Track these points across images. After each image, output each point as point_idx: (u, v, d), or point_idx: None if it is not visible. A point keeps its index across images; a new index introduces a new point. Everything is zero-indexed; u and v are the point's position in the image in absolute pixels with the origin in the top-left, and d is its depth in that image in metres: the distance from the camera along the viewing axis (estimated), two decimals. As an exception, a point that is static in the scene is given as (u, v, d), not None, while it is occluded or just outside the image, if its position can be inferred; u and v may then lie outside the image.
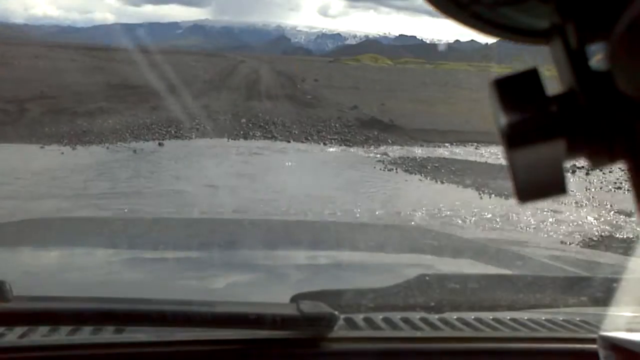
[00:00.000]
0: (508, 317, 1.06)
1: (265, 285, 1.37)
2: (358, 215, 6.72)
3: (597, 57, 0.31)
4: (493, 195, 7.98)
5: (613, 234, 5.82)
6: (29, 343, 0.90)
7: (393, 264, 1.69)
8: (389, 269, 1.61)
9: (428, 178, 9.70)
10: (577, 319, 1.08)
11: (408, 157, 11.88)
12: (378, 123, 15.86)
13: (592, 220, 6.35)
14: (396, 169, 10.54)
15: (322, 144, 13.44)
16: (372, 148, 13.13)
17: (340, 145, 13.39)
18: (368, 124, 15.80)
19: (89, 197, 7.33)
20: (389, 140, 14.03)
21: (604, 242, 5.52)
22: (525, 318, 1.06)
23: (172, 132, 13.56)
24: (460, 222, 6.54)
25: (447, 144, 13.97)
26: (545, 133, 0.31)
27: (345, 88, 23.08)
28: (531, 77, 0.31)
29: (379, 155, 12.13)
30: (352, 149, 12.93)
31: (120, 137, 12.80)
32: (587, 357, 0.90)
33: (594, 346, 0.85)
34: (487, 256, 1.84)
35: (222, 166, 10.07)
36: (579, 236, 5.75)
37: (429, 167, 10.59)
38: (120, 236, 2.04)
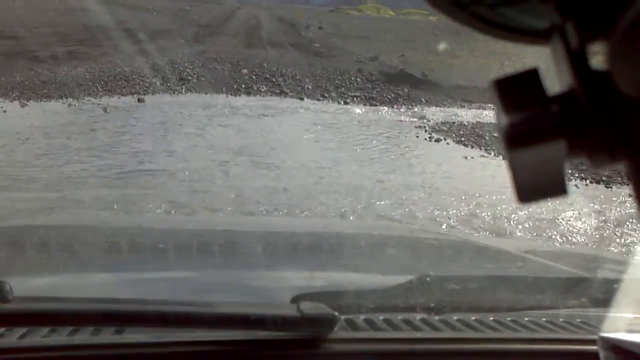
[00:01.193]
0: (508, 318, 1.06)
1: (266, 286, 1.37)
2: (421, 216, 4.65)
3: (597, 57, 0.31)
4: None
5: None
6: (29, 344, 0.90)
7: (393, 265, 1.69)
8: (390, 270, 1.60)
9: (493, 154, 7.15)
10: (578, 320, 1.08)
11: (454, 123, 9.31)
12: (408, 77, 13.22)
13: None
14: (445, 138, 8.11)
15: (342, 102, 11.05)
16: (404, 109, 10.73)
17: (365, 104, 10.96)
18: (395, 78, 13.22)
19: (26, 180, 5.25)
20: (422, 99, 11.58)
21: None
22: (526, 319, 1.06)
23: (157, 84, 10.90)
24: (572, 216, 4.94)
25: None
26: (545, 133, 0.31)
27: (354, 37, 20.41)
28: (531, 77, 0.31)
29: (416, 120, 9.74)
30: (381, 110, 10.52)
31: (88, 89, 10.23)
32: (588, 358, 0.90)
33: (595, 347, 0.85)
34: (487, 257, 1.84)
35: (218, 134, 7.64)
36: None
37: (487, 138, 8.01)
38: (120, 236, 2.03)
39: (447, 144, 7.84)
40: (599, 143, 0.31)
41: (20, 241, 1.87)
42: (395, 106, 10.95)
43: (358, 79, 13.19)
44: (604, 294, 1.05)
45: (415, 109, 10.78)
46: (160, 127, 7.87)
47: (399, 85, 12.57)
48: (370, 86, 12.53)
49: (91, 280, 1.38)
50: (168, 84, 10.97)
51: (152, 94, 10.30)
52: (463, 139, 8.05)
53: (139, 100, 9.74)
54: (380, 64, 15.00)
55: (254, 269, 1.60)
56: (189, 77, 11.88)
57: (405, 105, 11.10)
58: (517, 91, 0.31)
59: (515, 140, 0.31)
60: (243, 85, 11.89)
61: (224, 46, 16.74)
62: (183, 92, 10.83)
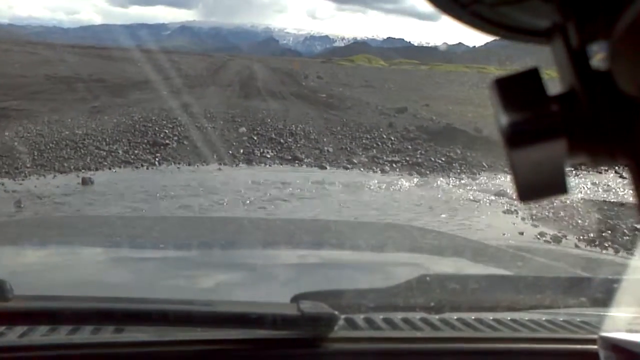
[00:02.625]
0: (508, 318, 1.06)
1: (266, 285, 1.37)
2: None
3: (598, 56, 0.31)
4: None
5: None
6: (29, 342, 0.90)
7: (393, 264, 1.69)
8: (390, 269, 1.61)
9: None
10: (578, 319, 1.08)
11: (554, 204, 6.01)
12: (456, 134, 10.31)
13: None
14: (560, 235, 5.15)
15: (378, 169, 8.04)
16: (465, 178, 7.70)
17: (410, 172, 7.92)
18: (439, 135, 10.38)
19: None
20: (484, 163, 8.50)
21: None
22: (526, 319, 1.06)
23: (118, 153, 7.75)
24: None
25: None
26: (546, 133, 0.31)
27: (358, 86, 19.30)
28: (532, 76, 0.31)
29: (490, 196, 6.61)
30: (434, 181, 7.44)
31: (9, 166, 6.72)
32: (588, 357, 0.90)
33: (595, 347, 0.85)
34: (487, 256, 1.84)
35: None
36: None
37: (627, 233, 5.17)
38: (120, 235, 2.04)
39: (561, 240, 4.80)
40: (599, 142, 0.31)
41: (20, 240, 1.87)
42: (451, 174, 7.88)
43: (392, 137, 10.27)
44: (604, 294, 1.05)
45: (481, 178, 7.74)
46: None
47: (447, 144, 9.66)
48: (410, 147, 9.62)
49: (91, 279, 1.39)
50: (134, 153, 7.71)
51: (109, 169, 7.04)
52: (586, 234, 5.00)
53: (83, 181, 6.16)
54: (413, 116, 12.65)
55: (254, 268, 1.60)
56: (166, 141, 8.64)
57: (465, 172, 8.06)
58: (517, 91, 0.31)
59: (515, 139, 0.31)
60: (241, 150, 8.61)
61: (215, 98, 14.06)
62: (156, 162, 7.54)
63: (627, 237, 5.49)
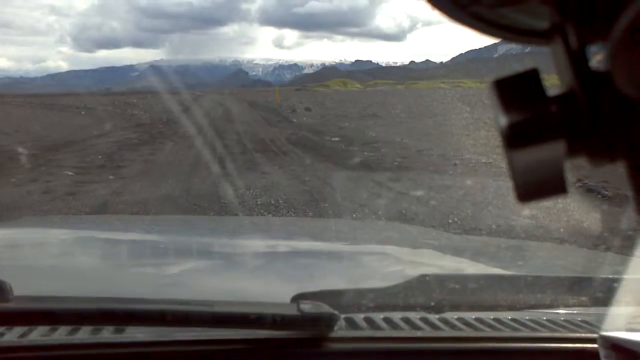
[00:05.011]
0: (508, 317, 1.06)
1: (266, 285, 1.38)
2: None
3: (597, 57, 0.31)
4: None
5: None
6: (29, 343, 0.90)
7: (393, 264, 1.69)
8: (389, 269, 1.61)
9: None
10: (578, 318, 1.08)
11: None
12: None
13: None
14: None
15: None
16: None
17: None
18: None
19: None
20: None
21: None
22: (526, 318, 1.06)
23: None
24: None
25: None
26: (545, 134, 0.31)
27: (361, 116, 13.99)
28: (531, 77, 0.31)
29: None
30: None
31: None
32: (588, 356, 0.90)
33: (595, 346, 0.85)
34: (487, 256, 1.84)
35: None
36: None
37: None
38: (120, 236, 2.04)
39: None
40: (598, 143, 0.31)
41: (20, 241, 1.87)
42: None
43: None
44: (604, 293, 1.05)
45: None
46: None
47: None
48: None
49: (91, 280, 1.39)
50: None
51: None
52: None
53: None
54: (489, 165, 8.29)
55: (254, 268, 1.60)
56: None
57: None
58: (517, 91, 0.31)
59: (515, 140, 0.31)
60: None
61: (169, 175, 7.95)
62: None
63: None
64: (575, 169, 0.33)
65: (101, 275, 1.45)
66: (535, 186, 0.33)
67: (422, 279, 1.06)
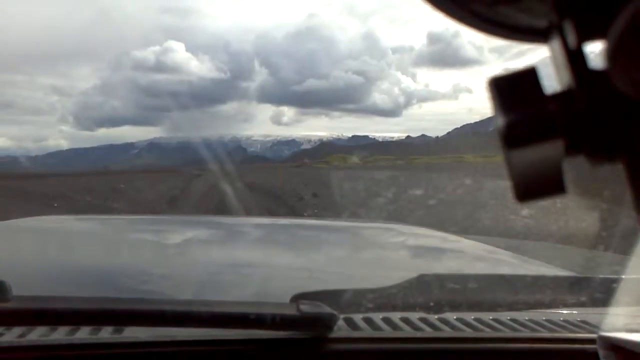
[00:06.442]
0: (508, 318, 1.06)
1: (265, 285, 1.37)
2: None
3: (595, 56, 0.30)
4: None
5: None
6: (28, 343, 0.90)
7: (393, 264, 1.69)
8: (389, 269, 1.61)
9: None
10: (577, 319, 1.08)
11: None
12: None
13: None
14: None
15: None
16: None
17: None
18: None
19: None
20: None
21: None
22: (525, 318, 1.06)
23: None
24: None
25: None
26: (543, 133, 0.30)
27: (379, 206, 9.89)
28: (529, 76, 0.31)
29: None
30: None
31: None
32: (587, 357, 0.90)
33: (594, 346, 0.85)
34: (486, 256, 1.84)
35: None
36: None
37: None
38: (120, 235, 2.04)
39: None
40: (597, 142, 0.31)
41: (20, 240, 1.87)
42: None
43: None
44: (604, 293, 1.05)
45: None
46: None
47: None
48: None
49: (91, 280, 1.39)
50: None
51: None
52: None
53: None
54: None
55: (253, 268, 1.60)
56: None
57: None
58: (515, 90, 0.31)
59: (512, 139, 0.31)
60: None
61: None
62: None
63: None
64: (573, 168, 0.33)
65: (101, 275, 1.44)
66: (534, 186, 0.32)
67: (422, 279, 1.06)
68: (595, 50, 0.31)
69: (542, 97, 0.31)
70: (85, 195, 17.55)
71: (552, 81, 0.32)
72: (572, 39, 0.31)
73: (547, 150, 0.31)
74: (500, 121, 0.31)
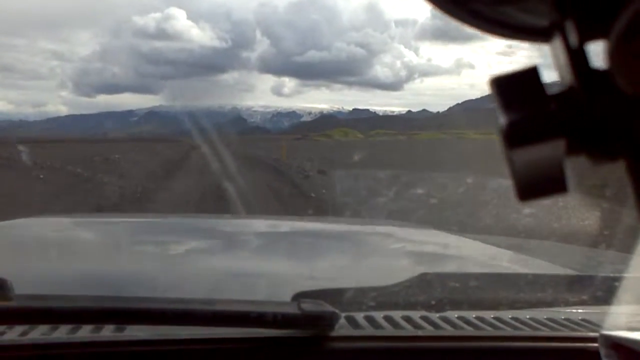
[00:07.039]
0: (509, 316, 1.06)
1: (266, 284, 1.37)
2: None
3: (597, 55, 0.30)
4: None
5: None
6: (30, 341, 0.90)
7: (394, 263, 1.69)
8: (390, 268, 1.61)
9: None
10: (579, 317, 1.08)
11: None
12: None
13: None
14: None
15: None
16: None
17: None
18: None
19: None
20: None
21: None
22: (527, 317, 1.06)
23: None
24: None
25: None
26: (545, 132, 0.30)
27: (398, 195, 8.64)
28: (531, 75, 0.31)
29: None
30: None
31: None
32: (589, 355, 0.90)
33: (596, 345, 0.85)
34: (487, 255, 1.84)
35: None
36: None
37: None
38: (121, 235, 2.04)
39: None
40: (598, 142, 0.31)
41: (21, 239, 1.87)
42: None
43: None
44: (605, 292, 1.05)
45: None
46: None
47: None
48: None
49: (92, 278, 1.39)
50: None
51: None
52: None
53: None
54: None
55: (255, 266, 1.60)
56: None
57: None
58: (516, 89, 0.31)
59: (514, 138, 0.31)
60: None
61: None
62: None
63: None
64: (575, 167, 0.32)
65: (102, 274, 1.45)
66: (536, 185, 0.32)
67: (423, 278, 1.06)
68: (596, 50, 0.31)
69: (544, 97, 0.31)
70: (76, 166, 16.72)
71: (554, 80, 0.32)
72: (573, 38, 0.31)
73: (548, 150, 0.31)
74: (502, 120, 0.31)
